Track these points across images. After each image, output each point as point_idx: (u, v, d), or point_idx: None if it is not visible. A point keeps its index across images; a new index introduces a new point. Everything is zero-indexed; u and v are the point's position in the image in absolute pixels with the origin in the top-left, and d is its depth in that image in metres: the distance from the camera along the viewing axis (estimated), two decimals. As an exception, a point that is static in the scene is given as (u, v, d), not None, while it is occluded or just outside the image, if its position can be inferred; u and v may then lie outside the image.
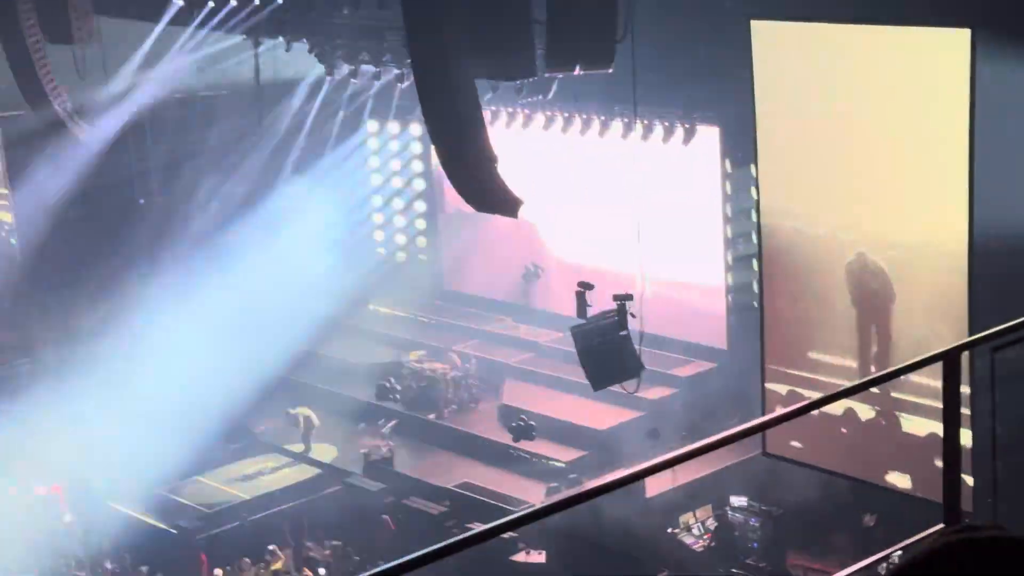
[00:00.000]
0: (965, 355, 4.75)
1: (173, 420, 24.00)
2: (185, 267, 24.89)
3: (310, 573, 19.43)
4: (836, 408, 17.11)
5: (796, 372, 17.41)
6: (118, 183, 25.49)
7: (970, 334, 13.30)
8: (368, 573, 3.60)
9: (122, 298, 25.06)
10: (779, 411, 5.39)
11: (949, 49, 15.00)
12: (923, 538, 4.38)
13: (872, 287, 16.73)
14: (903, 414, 16.49)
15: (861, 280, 16.82)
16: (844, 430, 17.22)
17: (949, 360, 4.60)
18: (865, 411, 16.99)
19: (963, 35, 14.74)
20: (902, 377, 15.41)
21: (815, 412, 17.24)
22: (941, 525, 4.45)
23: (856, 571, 4.64)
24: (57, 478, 22.33)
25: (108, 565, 19.62)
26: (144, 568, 19.38)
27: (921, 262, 16.12)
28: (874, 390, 16.65)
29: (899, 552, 4.42)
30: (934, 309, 15.85)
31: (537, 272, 24.71)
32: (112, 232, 25.95)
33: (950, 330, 15.30)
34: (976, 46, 14.62)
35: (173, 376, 25.48)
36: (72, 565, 19.43)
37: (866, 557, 4.72)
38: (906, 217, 16.17)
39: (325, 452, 23.21)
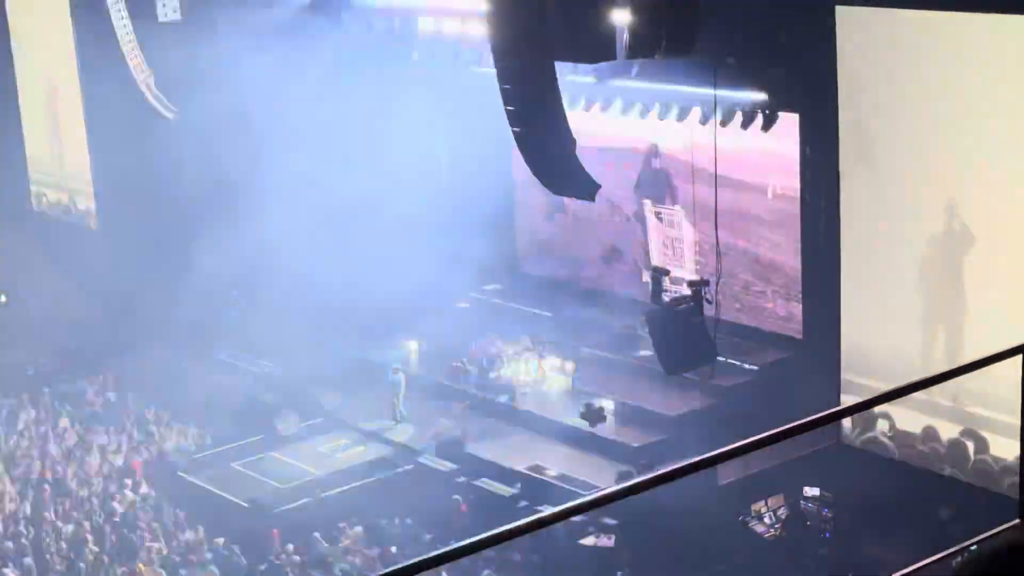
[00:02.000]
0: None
1: (248, 392, 24.31)
2: (264, 246, 25.11)
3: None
4: (914, 426, 16.91)
5: (872, 383, 17.20)
6: (198, 159, 25.75)
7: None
8: (439, 551, 3.62)
9: (200, 275, 25.33)
10: (852, 401, 5.32)
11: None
12: (997, 533, 4.32)
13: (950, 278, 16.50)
14: (991, 434, 16.11)
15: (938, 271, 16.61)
16: (922, 448, 16.97)
17: (1029, 354, 4.53)
18: (947, 428, 16.70)
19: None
20: (991, 393, 15.16)
21: (890, 432, 17.11)
22: (1016, 521, 4.40)
23: (930, 564, 4.60)
24: (135, 450, 22.69)
25: (183, 537, 19.89)
26: (219, 540, 19.62)
27: (1004, 260, 15.88)
28: (951, 403, 16.41)
29: (974, 546, 4.37)
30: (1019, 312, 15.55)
31: (614, 256, 24.66)
32: (192, 208, 26.22)
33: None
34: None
35: (250, 352, 25.77)
36: (147, 537, 19.71)
37: (941, 550, 4.66)
38: (989, 211, 15.93)
39: (401, 431, 23.31)
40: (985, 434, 16.13)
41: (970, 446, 16.35)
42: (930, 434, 16.89)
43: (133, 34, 22.46)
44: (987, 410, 16.01)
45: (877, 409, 17.31)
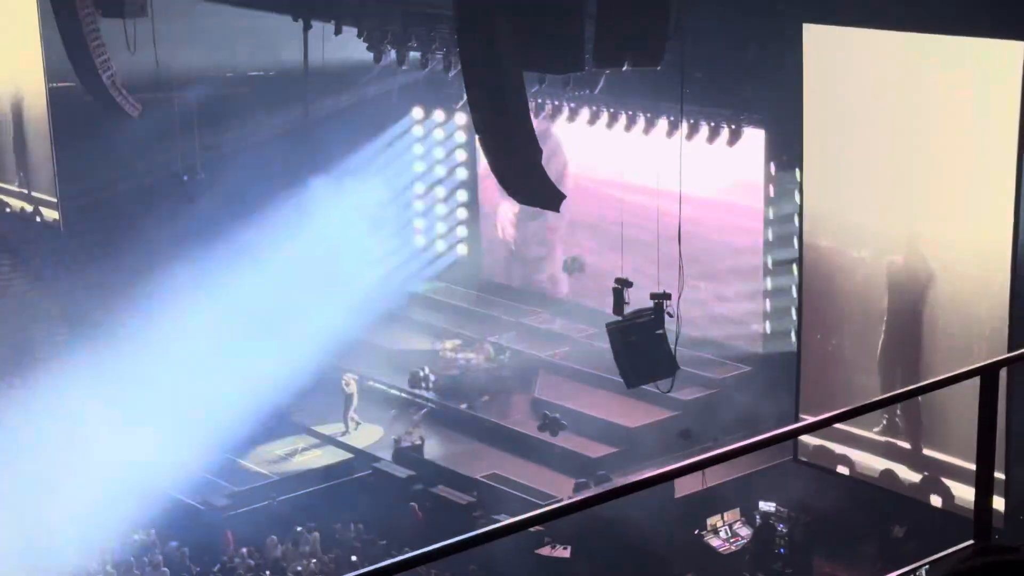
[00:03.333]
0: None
1: (206, 396, 24.14)
2: (226, 248, 25.00)
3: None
4: (872, 465, 16.96)
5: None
6: (163, 159, 25.62)
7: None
8: (394, 560, 3.59)
9: (162, 275, 25.20)
10: (811, 419, 5.32)
11: (1001, 61, 14.86)
12: (952, 554, 4.33)
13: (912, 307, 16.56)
14: (953, 481, 16.02)
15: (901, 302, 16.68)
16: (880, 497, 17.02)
17: (987, 375, 4.55)
18: (907, 472, 16.72)
19: (1016, 48, 14.60)
20: (954, 439, 15.08)
21: (847, 472, 17.17)
22: (971, 542, 4.41)
23: (883, 583, 4.61)
24: (89, 449, 22.50)
25: (136, 537, 19.75)
26: (173, 543, 19.48)
27: (964, 288, 15.94)
28: (911, 447, 16.45)
29: (927, 566, 4.38)
30: (978, 344, 15.56)
31: (576, 265, 24.70)
32: (155, 208, 26.09)
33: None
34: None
35: (208, 353, 25.61)
36: (100, 537, 19.55)
37: (894, 568, 4.68)
38: (949, 236, 15.99)
39: (366, 435, 23.18)
40: (947, 481, 16.12)
41: (936, 498, 16.38)
42: (889, 478, 16.98)
43: (99, 31, 22.30)
44: (948, 455, 16.03)
45: (836, 452, 17.41)
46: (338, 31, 21.24)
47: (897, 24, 15.77)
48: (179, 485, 21.46)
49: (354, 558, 18.99)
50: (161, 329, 25.39)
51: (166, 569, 18.92)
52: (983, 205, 15.55)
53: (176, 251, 25.35)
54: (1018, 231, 14.99)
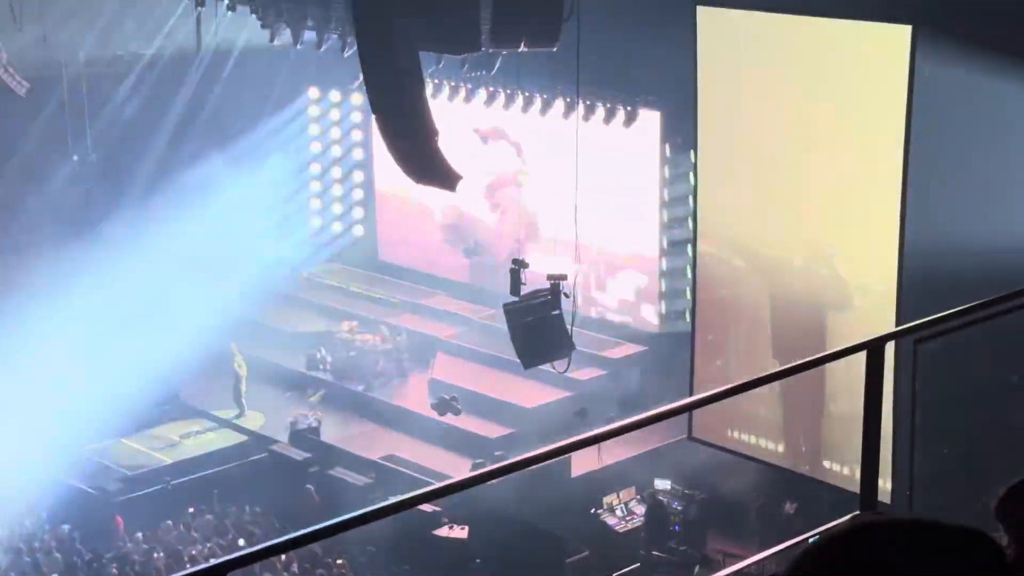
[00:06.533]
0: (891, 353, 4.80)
1: (99, 379, 23.78)
2: (117, 230, 24.64)
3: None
4: (766, 444, 17.21)
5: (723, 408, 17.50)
6: (53, 140, 25.14)
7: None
8: (293, 535, 3.60)
9: (53, 257, 24.77)
10: (705, 393, 5.40)
11: (890, 45, 15.15)
12: (837, 524, 4.43)
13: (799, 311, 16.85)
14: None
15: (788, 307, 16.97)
16: None
17: (873, 350, 4.65)
18: (799, 451, 16.99)
19: (904, 31, 14.89)
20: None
21: (741, 450, 17.44)
22: (857, 512, 4.51)
23: (772, 555, 4.70)
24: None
25: (26, 522, 19.43)
26: (65, 527, 19.20)
27: (853, 275, 16.26)
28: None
29: (814, 537, 4.47)
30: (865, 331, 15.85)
31: (476, 248, 24.73)
32: (44, 189, 25.62)
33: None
34: (916, 43, 14.78)
35: (101, 335, 25.23)
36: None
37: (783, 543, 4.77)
38: (839, 218, 16.29)
39: (252, 419, 23.07)
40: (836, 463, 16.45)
41: (826, 475, 16.72)
42: (781, 456, 17.25)
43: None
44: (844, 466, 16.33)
45: (731, 430, 17.66)
46: (231, 8, 21.00)
47: (787, 7, 16.01)
48: (70, 470, 21.13)
49: (241, 542, 18.85)
50: (50, 311, 24.96)
51: (58, 555, 18.64)
52: (872, 186, 15.85)
53: (66, 233, 24.93)
54: (905, 211, 15.31)
